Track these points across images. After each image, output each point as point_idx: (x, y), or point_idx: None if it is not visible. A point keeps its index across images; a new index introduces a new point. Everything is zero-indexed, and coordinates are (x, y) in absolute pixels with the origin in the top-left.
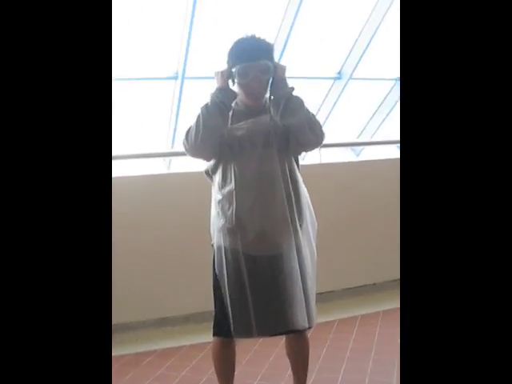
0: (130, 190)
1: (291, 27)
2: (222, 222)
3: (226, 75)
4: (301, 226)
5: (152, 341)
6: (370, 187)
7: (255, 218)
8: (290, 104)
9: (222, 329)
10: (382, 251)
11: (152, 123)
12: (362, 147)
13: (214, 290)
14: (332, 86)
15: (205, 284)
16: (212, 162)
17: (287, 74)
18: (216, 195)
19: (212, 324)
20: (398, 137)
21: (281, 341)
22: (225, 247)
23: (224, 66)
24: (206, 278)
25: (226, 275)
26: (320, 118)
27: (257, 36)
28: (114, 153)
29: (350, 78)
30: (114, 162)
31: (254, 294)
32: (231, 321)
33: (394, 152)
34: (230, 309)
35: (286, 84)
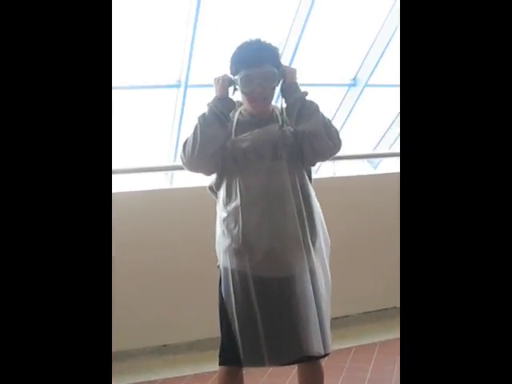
0: (129, 207)
1: (302, 30)
2: (227, 241)
3: (227, 82)
4: (314, 244)
5: (152, 370)
6: (388, 202)
7: (264, 236)
8: (304, 109)
9: (229, 357)
10: None
11: (152, 135)
12: (379, 159)
13: (220, 315)
14: (346, 93)
15: (210, 308)
16: (216, 177)
17: (298, 80)
18: (221, 213)
19: (218, 352)
20: None
21: (292, 370)
22: (232, 269)
23: (223, 73)
24: (211, 302)
25: (233, 298)
26: None
27: (262, 40)
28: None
29: (366, 84)
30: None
31: (265, 319)
32: (240, 348)
33: None
34: (238, 335)
35: (298, 89)
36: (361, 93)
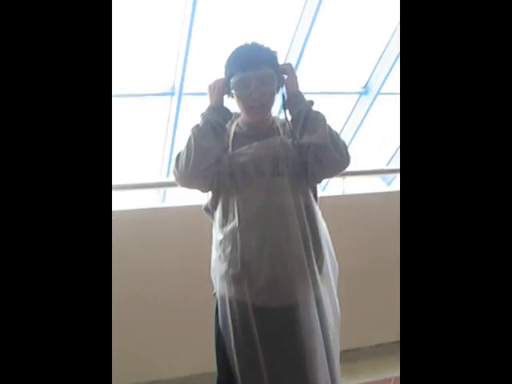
0: (116, 227)
1: (307, 34)
2: (224, 267)
3: (222, 90)
4: (320, 270)
5: None
6: None
7: (264, 261)
8: (310, 120)
9: None
10: None
11: (143, 147)
12: (393, 175)
13: (216, 348)
14: (357, 102)
15: (205, 340)
16: (211, 196)
17: (302, 89)
18: (217, 235)
19: None
20: None
21: None
22: (229, 297)
23: (218, 77)
24: (207, 333)
25: (231, 330)
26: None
27: (259, 43)
28: None
29: (379, 92)
30: None
31: (267, 353)
32: None
33: None
34: (236, 370)
35: (302, 98)
36: (373, 101)
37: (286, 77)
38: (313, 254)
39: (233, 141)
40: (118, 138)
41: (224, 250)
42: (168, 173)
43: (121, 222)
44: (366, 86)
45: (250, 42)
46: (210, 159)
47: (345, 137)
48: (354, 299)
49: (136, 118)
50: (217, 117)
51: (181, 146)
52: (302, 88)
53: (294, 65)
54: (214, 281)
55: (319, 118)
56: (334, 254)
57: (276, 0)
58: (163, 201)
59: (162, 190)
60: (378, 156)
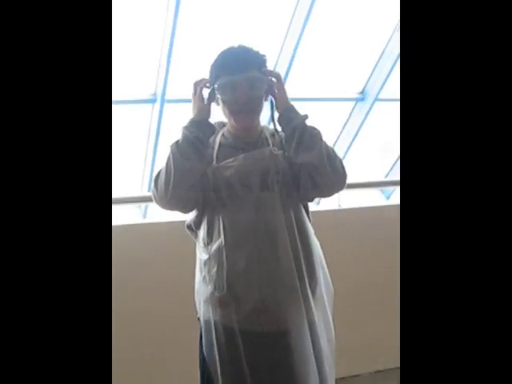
0: None
1: (300, 34)
2: (209, 289)
3: (207, 97)
4: (313, 292)
5: None
6: None
7: (252, 283)
8: (305, 137)
9: None
10: None
11: (122, 159)
12: (393, 187)
13: (201, 377)
14: (353, 109)
15: (189, 369)
16: (195, 213)
17: (291, 95)
18: (201, 255)
19: None
20: None
21: None
22: (215, 322)
23: (203, 81)
24: (190, 361)
25: (217, 357)
26: (338, 150)
27: (247, 46)
28: None
29: (377, 98)
30: None
31: (256, 383)
32: None
33: None
34: None
35: (296, 113)
36: (370, 108)
37: (276, 90)
38: (305, 274)
39: (218, 152)
40: None
41: (209, 271)
42: (150, 186)
43: None
44: (362, 92)
45: (236, 45)
46: (192, 180)
47: (340, 146)
48: (352, 324)
49: (114, 127)
50: (197, 132)
51: (163, 159)
52: (293, 94)
53: (284, 69)
54: (197, 304)
55: (315, 135)
56: (328, 275)
57: (265, 0)
58: (144, 216)
59: (143, 204)
60: (376, 167)
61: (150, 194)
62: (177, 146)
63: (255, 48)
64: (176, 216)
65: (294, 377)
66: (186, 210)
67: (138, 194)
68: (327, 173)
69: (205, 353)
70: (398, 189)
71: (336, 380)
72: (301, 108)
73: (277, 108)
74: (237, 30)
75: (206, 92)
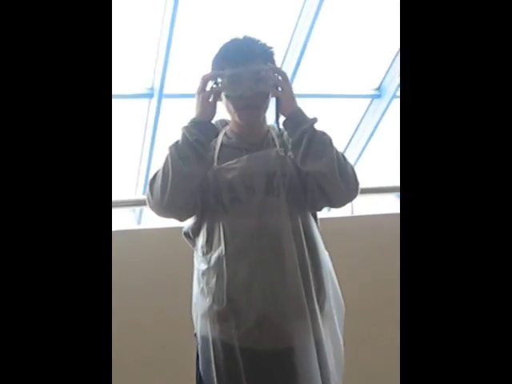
0: None
1: (311, 26)
2: (207, 302)
3: (213, 93)
4: (321, 308)
5: None
6: None
7: (255, 296)
8: (314, 143)
9: None
10: None
11: (116, 158)
12: None
13: None
14: (369, 106)
15: None
16: (193, 220)
17: (300, 91)
18: (199, 265)
19: None
20: None
21: None
22: (213, 338)
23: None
24: (186, 381)
25: (215, 377)
26: (352, 152)
27: (252, 37)
28: None
29: (395, 95)
30: None
31: None
32: None
33: None
34: None
35: (304, 116)
36: (387, 106)
37: (280, 89)
38: (313, 288)
39: (219, 153)
40: None
41: (207, 283)
42: (145, 189)
43: None
44: (379, 88)
45: (241, 36)
46: (191, 186)
47: (354, 147)
48: (364, 342)
49: None
50: (198, 134)
51: (160, 161)
52: (302, 90)
53: (294, 62)
54: (194, 319)
55: (325, 141)
56: (338, 289)
57: None
58: (139, 222)
59: (137, 208)
60: (392, 170)
61: (145, 197)
62: (176, 147)
63: (262, 39)
64: (174, 222)
65: None
66: (182, 218)
67: (133, 196)
68: (337, 182)
69: (201, 372)
70: None
71: None
72: (310, 105)
73: (282, 111)
74: (241, 21)
75: (208, 87)
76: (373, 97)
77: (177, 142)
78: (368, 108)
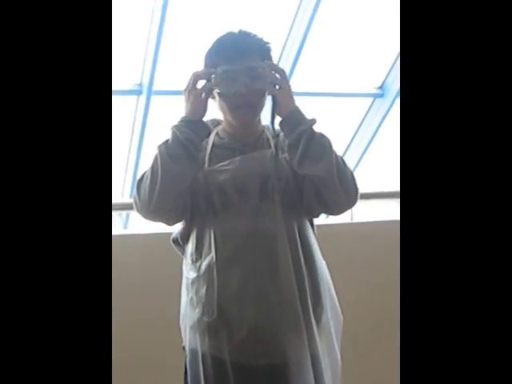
0: None
1: (309, 21)
2: (197, 313)
3: (205, 90)
4: (318, 320)
5: None
6: None
7: (247, 307)
8: (312, 146)
9: None
10: None
11: None
12: None
13: None
14: (371, 106)
15: None
16: (182, 225)
17: (298, 89)
18: (188, 273)
19: None
20: None
21: None
22: (202, 352)
23: (199, 73)
24: None
25: None
26: (353, 154)
27: (248, 32)
28: None
29: (398, 95)
30: None
31: None
32: None
33: None
34: None
35: (303, 116)
36: (390, 106)
37: (277, 87)
38: (309, 299)
39: (211, 154)
40: None
41: (197, 292)
42: (132, 191)
43: None
44: (381, 87)
45: (237, 31)
46: (181, 187)
47: (355, 150)
48: (363, 357)
49: None
50: (189, 133)
51: (148, 161)
52: (300, 88)
53: (291, 60)
54: (183, 331)
55: (324, 144)
56: (336, 301)
57: None
58: (125, 227)
59: (124, 213)
60: (395, 174)
61: (132, 200)
62: (166, 147)
63: (258, 34)
64: (162, 227)
65: None
66: (170, 221)
67: (119, 200)
68: (336, 188)
69: None
70: None
71: None
72: (308, 104)
73: (279, 110)
74: (234, 15)
75: (200, 84)
76: (375, 96)
77: (167, 141)
78: (370, 108)
